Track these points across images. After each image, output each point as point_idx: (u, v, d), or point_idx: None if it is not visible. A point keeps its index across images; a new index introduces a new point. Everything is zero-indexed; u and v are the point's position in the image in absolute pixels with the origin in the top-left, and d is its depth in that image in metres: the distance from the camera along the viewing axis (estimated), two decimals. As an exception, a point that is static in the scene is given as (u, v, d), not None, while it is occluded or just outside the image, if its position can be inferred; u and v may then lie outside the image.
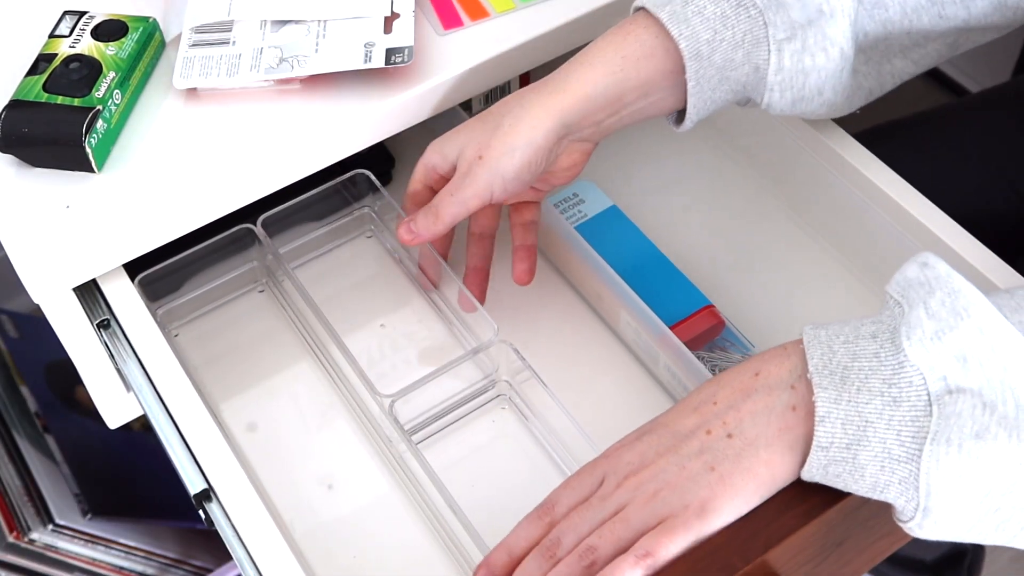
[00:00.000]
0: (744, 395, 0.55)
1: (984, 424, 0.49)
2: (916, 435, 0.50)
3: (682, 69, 0.65)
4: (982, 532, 0.51)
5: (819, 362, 0.52)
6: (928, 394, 0.50)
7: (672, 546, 0.54)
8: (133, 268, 0.70)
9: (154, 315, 0.74)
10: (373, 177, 0.80)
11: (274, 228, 0.78)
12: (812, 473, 0.53)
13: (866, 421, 0.51)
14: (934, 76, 1.90)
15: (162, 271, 0.75)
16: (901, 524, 0.52)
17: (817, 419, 0.52)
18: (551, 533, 0.57)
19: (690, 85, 0.66)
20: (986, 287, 0.68)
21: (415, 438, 0.72)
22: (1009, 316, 0.51)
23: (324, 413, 0.76)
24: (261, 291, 0.82)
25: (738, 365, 0.57)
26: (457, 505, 0.65)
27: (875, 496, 0.52)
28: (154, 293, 0.77)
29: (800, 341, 0.55)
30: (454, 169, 0.70)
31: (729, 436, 0.54)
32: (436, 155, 0.71)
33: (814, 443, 0.52)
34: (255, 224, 0.77)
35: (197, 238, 0.75)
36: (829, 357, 0.52)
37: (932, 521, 0.51)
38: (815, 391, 0.52)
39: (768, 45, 0.64)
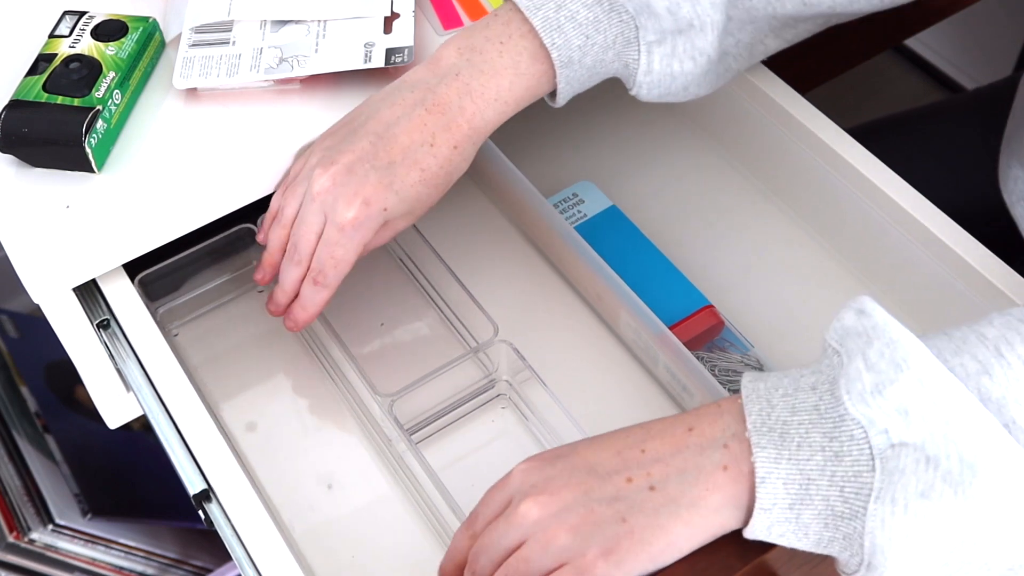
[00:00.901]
0: (674, 450, 0.52)
1: (928, 482, 0.47)
2: (859, 492, 0.48)
3: (553, 73, 0.66)
4: None
5: (757, 419, 0.50)
6: (870, 448, 0.48)
7: None
8: (133, 268, 0.70)
9: (154, 315, 0.74)
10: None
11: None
12: (755, 532, 0.51)
13: (808, 479, 0.49)
14: (933, 75, 1.90)
15: (162, 271, 0.75)
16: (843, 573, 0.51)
17: (758, 480, 0.50)
18: (472, 549, 0.55)
19: (560, 86, 0.67)
20: (982, 284, 0.68)
21: (415, 437, 0.72)
22: (949, 359, 0.50)
23: (324, 413, 0.76)
24: (261, 291, 0.82)
25: (671, 418, 0.54)
26: (457, 505, 0.65)
27: (818, 551, 0.51)
28: (154, 293, 0.77)
29: (737, 397, 0.52)
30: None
31: (651, 488, 0.52)
32: (381, 226, 0.66)
33: (756, 505, 0.50)
34: (255, 224, 0.77)
35: (197, 238, 0.74)
36: (768, 412, 0.50)
37: (876, 573, 0.50)
38: (753, 451, 0.50)
39: (638, 46, 0.66)
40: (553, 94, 0.69)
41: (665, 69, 0.67)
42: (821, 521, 0.50)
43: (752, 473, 0.50)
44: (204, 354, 0.79)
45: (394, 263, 0.83)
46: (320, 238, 0.66)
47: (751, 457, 0.50)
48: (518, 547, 0.53)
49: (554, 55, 0.65)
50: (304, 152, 0.69)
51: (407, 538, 0.70)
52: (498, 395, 0.75)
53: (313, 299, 0.68)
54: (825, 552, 0.51)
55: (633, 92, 0.69)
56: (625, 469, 0.53)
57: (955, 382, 0.48)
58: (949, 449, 0.47)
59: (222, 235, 0.77)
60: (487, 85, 0.66)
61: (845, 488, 0.49)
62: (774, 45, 0.71)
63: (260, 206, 0.74)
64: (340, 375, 0.76)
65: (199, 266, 0.79)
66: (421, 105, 0.65)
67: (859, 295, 0.52)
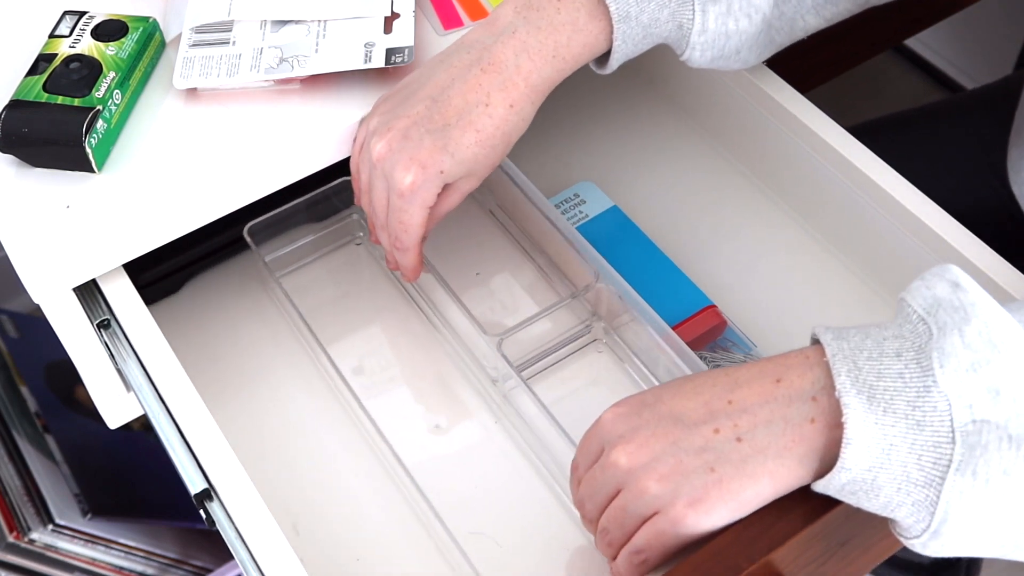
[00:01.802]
0: (762, 400, 0.53)
1: (1011, 460, 0.48)
2: (937, 462, 0.49)
3: (611, 29, 0.66)
4: (980, 552, 0.51)
5: (847, 380, 0.51)
6: (951, 421, 0.49)
7: (662, 547, 0.54)
8: (133, 268, 0.70)
9: (262, 263, 0.79)
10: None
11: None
12: (828, 488, 0.52)
13: (890, 444, 0.50)
14: (933, 75, 1.90)
15: (267, 221, 0.78)
16: (902, 538, 0.52)
17: (845, 441, 0.50)
18: (577, 496, 0.59)
19: (616, 44, 0.66)
20: (984, 282, 0.68)
21: (524, 374, 0.75)
22: None
23: (323, 415, 0.76)
24: (359, 243, 0.85)
25: (755, 365, 0.55)
26: (569, 437, 0.67)
27: (884, 514, 0.51)
28: (260, 242, 0.79)
29: (821, 350, 0.53)
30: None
31: (738, 440, 0.53)
32: (441, 188, 0.67)
33: (839, 464, 0.51)
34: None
35: (297, 191, 0.76)
36: (856, 375, 0.51)
37: (939, 542, 0.51)
38: (844, 412, 0.50)
39: (693, 5, 0.65)
40: (606, 57, 0.68)
41: (720, 28, 0.66)
42: (895, 486, 0.50)
43: (837, 428, 0.51)
44: (309, 302, 0.81)
45: (485, 214, 0.86)
46: (389, 204, 0.67)
47: (841, 417, 0.50)
48: (616, 493, 0.55)
49: (612, 8, 0.64)
50: (366, 118, 0.70)
51: (408, 538, 0.70)
52: (594, 340, 0.78)
53: (402, 261, 0.70)
54: (889, 515, 0.51)
55: (685, 56, 0.68)
56: (712, 419, 0.53)
57: None
58: None
59: (323, 188, 0.80)
60: (544, 42, 0.65)
61: (923, 457, 0.49)
62: (814, 23, 0.71)
63: (260, 206, 0.74)
64: (443, 319, 0.78)
65: (303, 217, 0.82)
66: (476, 65, 0.65)
67: (945, 263, 0.52)
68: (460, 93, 0.65)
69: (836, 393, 0.51)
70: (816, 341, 0.54)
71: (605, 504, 0.56)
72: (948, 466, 0.49)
